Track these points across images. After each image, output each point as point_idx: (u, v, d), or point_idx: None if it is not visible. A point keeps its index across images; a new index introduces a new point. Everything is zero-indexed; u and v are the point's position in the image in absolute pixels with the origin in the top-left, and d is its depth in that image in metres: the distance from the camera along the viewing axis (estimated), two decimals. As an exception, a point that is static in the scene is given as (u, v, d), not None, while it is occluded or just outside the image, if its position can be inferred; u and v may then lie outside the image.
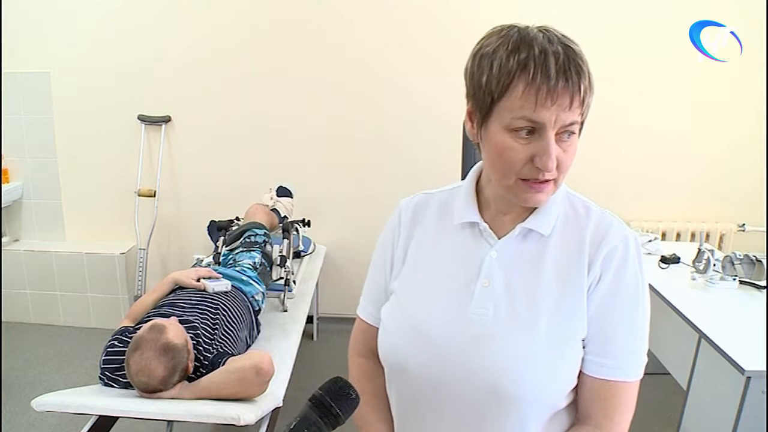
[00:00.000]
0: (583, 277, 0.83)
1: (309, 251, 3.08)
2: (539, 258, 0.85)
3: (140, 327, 1.79)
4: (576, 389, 0.85)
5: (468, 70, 0.81)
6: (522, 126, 0.76)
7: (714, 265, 2.21)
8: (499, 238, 0.87)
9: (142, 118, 3.16)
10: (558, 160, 0.77)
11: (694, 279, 2.20)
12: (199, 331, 1.86)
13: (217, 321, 1.96)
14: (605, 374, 0.83)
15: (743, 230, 2.84)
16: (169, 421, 1.73)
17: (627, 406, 0.84)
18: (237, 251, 2.52)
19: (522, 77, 0.74)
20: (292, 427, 0.70)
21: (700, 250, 2.28)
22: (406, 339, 0.88)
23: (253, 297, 2.26)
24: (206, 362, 1.80)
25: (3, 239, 3.31)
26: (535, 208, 0.86)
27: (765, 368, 1.59)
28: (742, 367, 1.60)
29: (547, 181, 0.79)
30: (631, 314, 0.83)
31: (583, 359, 0.83)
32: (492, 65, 0.77)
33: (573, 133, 0.78)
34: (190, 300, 2.03)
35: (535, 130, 0.76)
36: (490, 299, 0.84)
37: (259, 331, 2.26)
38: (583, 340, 0.83)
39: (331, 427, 0.72)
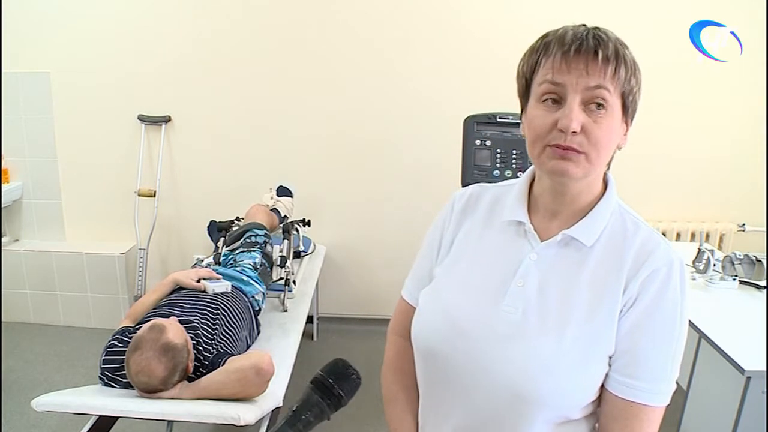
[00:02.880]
0: (618, 295, 0.82)
1: (309, 251, 3.08)
2: (577, 267, 0.85)
3: (140, 327, 1.79)
4: (594, 403, 0.85)
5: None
6: (546, 91, 0.80)
7: (714, 265, 2.21)
8: (542, 242, 0.87)
9: (142, 118, 3.16)
10: (587, 131, 0.78)
11: (694, 279, 2.19)
12: (199, 331, 1.86)
13: (217, 321, 1.96)
14: (629, 395, 0.81)
15: (743, 230, 2.83)
16: (169, 421, 1.73)
17: (648, 430, 0.82)
18: (237, 251, 2.52)
19: (545, 53, 0.81)
20: (294, 409, 0.70)
21: (700, 250, 2.28)
22: (437, 324, 0.90)
23: (253, 297, 2.26)
24: (206, 362, 1.80)
25: (3, 239, 3.31)
26: (583, 216, 0.86)
27: (765, 368, 1.59)
28: (742, 367, 1.60)
29: (575, 150, 0.78)
30: (666, 339, 0.81)
31: (608, 376, 0.83)
32: (526, 54, 0.84)
33: (602, 103, 0.78)
34: (190, 300, 2.03)
35: (560, 98, 0.79)
36: (521, 300, 0.85)
37: (259, 331, 2.26)
38: (610, 358, 0.83)
39: (334, 409, 0.72)
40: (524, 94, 0.85)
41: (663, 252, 0.83)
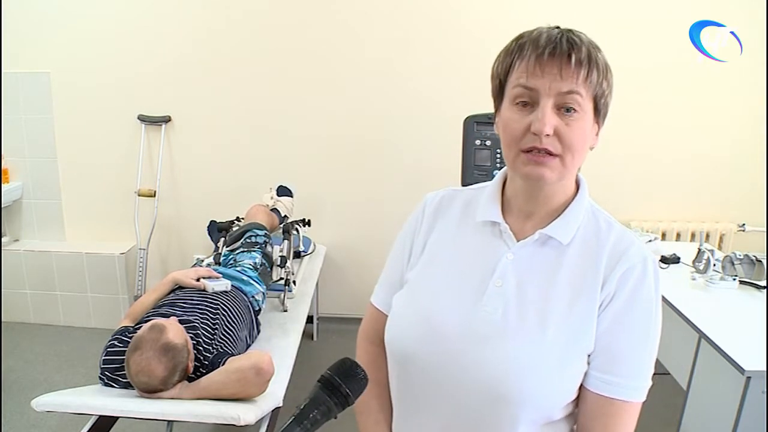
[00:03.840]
0: (596, 293, 0.83)
1: (309, 251, 3.08)
2: (555, 266, 0.85)
3: (140, 327, 1.79)
4: (573, 403, 0.85)
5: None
6: (519, 94, 0.80)
7: (714, 265, 2.20)
8: (518, 241, 0.87)
9: (142, 118, 3.16)
10: (560, 134, 0.78)
11: (694, 279, 2.19)
12: (199, 331, 1.86)
13: (217, 321, 1.96)
14: (609, 392, 0.82)
15: (743, 230, 2.83)
16: (169, 421, 1.73)
17: (626, 427, 0.84)
18: (237, 251, 2.52)
19: (519, 55, 0.81)
20: (302, 408, 0.70)
21: (700, 250, 2.28)
22: (413, 329, 0.89)
23: (253, 297, 2.26)
24: (206, 362, 1.80)
25: (3, 239, 3.31)
26: (557, 216, 0.87)
27: (765, 368, 1.59)
28: (742, 367, 1.60)
29: (550, 154, 0.79)
30: (642, 335, 0.83)
31: (587, 374, 0.83)
32: (501, 55, 0.84)
33: (573, 107, 0.78)
34: (190, 300, 2.03)
35: (533, 101, 0.79)
36: (500, 300, 0.84)
37: (259, 331, 2.26)
38: (589, 356, 0.83)
39: (341, 408, 0.72)
40: (498, 94, 0.85)
41: (636, 249, 0.84)
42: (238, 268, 2.37)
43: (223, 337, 1.93)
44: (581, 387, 0.84)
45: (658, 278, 0.84)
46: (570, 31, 0.80)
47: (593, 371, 0.83)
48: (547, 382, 0.80)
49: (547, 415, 0.83)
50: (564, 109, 0.78)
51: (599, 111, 0.82)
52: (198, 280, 2.15)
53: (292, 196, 3.08)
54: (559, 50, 0.77)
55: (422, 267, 0.94)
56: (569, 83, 0.77)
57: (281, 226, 2.95)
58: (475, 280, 0.87)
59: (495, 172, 2.44)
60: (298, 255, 2.96)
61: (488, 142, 2.44)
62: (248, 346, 2.13)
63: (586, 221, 0.87)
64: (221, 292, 2.12)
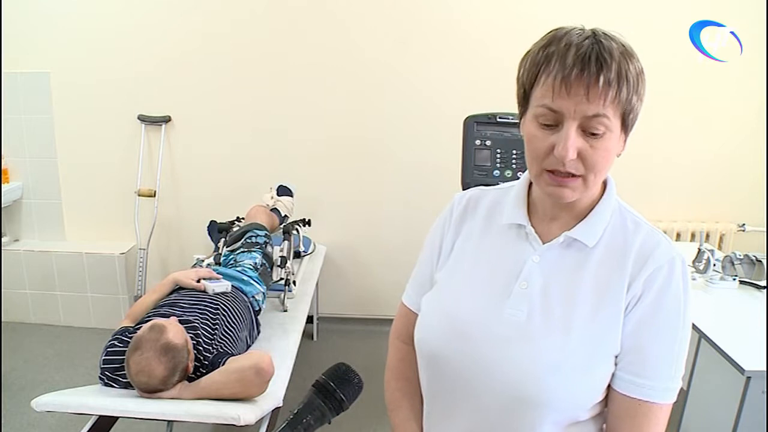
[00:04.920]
0: (622, 294, 0.82)
1: (309, 251, 3.08)
2: (580, 268, 0.85)
3: (140, 327, 1.79)
4: (601, 403, 0.85)
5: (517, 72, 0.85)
6: (543, 114, 0.78)
7: (714, 265, 2.21)
8: (544, 244, 0.87)
9: (142, 118, 3.16)
10: (584, 156, 0.78)
11: (694, 279, 2.19)
12: (199, 331, 1.86)
13: (217, 321, 1.96)
14: (637, 393, 0.82)
15: (743, 230, 2.84)
16: (169, 421, 1.73)
17: (655, 428, 0.83)
18: (238, 252, 2.52)
19: (545, 69, 0.77)
20: (295, 412, 0.70)
21: (700, 250, 2.28)
22: (440, 329, 0.90)
23: (253, 297, 2.26)
24: (206, 362, 1.80)
25: (3, 239, 3.31)
26: (584, 217, 0.86)
27: (765, 368, 1.59)
28: (742, 367, 1.60)
29: (572, 175, 0.79)
30: (670, 336, 0.82)
31: (614, 375, 0.83)
32: (527, 60, 0.81)
33: (599, 130, 0.76)
34: (190, 300, 2.03)
35: (558, 121, 0.78)
36: (525, 302, 0.85)
37: (259, 331, 2.26)
38: (616, 357, 0.83)
39: (335, 413, 0.72)
40: (523, 101, 0.84)
41: (664, 249, 0.83)
42: (238, 268, 2.37)
43: (223, 337, 1.93)
44: (609, 388, 0.83)
45: (687, 278, 0.83)
46: (601, 43, 0.76)
47: (620, 372, 0.82)
48: (571, 385, 0.80)
49: (572, 416, 0.83)
50: (591, 130, 0.77)
51: (627, 125, 0.81)
52: (198, 281, 2.15)
53: (292, 196, 3.08)
54: (587, 71, 0.74)
55: (450, 268, 0.95)
56: (596, 106, 0.75)
57: (281, 226, 2.95)
58: (500, 282, 0.88)
59: (495, 172, 2.45)
60: (298, 255, 2.96)
61: (488, 142, 2.44)
62: (248, 346, 2.13)
63: (614, 222, 0.87)
64: (221, 293, 2.12)
